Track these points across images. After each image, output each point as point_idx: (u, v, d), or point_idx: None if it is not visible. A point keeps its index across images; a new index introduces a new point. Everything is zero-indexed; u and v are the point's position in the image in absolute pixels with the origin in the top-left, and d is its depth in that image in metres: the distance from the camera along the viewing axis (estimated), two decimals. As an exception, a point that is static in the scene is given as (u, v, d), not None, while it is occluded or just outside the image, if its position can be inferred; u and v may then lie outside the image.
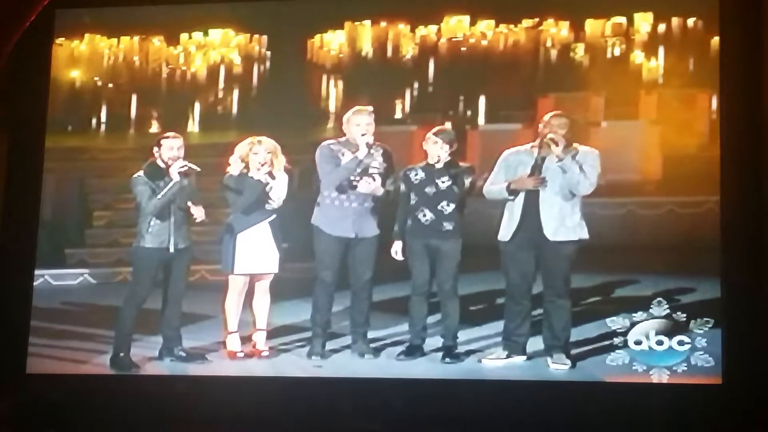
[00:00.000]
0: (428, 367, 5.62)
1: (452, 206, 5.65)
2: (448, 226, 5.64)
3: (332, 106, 6.20)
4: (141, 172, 5.76)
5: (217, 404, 5.44)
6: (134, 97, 6.31)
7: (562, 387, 5.43)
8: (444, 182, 5.65)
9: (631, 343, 5.46)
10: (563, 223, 5.52)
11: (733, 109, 5.54)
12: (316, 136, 5.96)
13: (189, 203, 5.71)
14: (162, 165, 5.76)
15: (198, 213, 5.71)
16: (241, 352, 5.78)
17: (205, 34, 6.34)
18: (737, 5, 5.63)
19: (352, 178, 5.68)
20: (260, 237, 5.77)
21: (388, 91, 6.16)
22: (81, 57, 6.36)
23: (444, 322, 5.69)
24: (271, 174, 5.75)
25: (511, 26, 6.09)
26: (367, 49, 6.22)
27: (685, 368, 5.40)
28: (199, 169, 5.75)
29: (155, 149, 5.78)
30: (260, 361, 5.75)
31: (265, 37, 6.28)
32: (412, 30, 6.18)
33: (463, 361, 5.63)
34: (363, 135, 5.66)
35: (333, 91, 6.21)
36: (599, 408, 5.22)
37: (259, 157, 5.74)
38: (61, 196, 6.24)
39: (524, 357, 5.59)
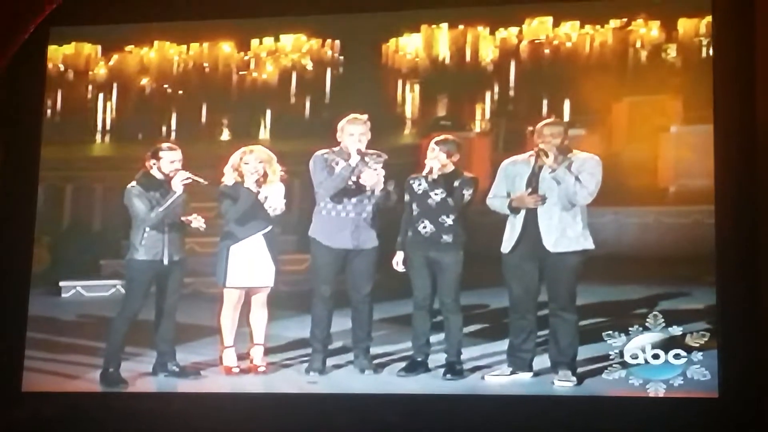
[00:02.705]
0: (428, 384, 5.50)
1: (452, 218, 5.48)
2: (447, 238, 5.49)
3: (408, 112, 6.03)
4: (134, 183, 5.65)
5: (212, 422, 5.38)
6: (204, 105, 6.19)
7: (559, 402, 5.33)
8: (437, 194, 5.49)
9: (627, 358, 5.37)
10: (564, 233, 5.37)
11: (727, 117, 5.40)
12: (391, 142, 5.81)
13: (191, 217, 5.61)
14: (158, 176, 5.65)
15: (196, 223, 5.61)
16: (237, 367, 5.67)
17: (277, 39, 6.21)
18: (732, 9, 5.46)
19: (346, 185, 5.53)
20: (255, 249, 5.64)
21: (466, 96, 5.99)
22: (151, 64, 6.27)
23: (446, 337, 5.55)
24: (258, 183, 5.61)
25: (598, 27, 5.84)
26: (444, 53, 6.04)
27: (682, 382, 5.32)
28: (206, 182, 5.65)
29: (152, 161, 5.66)
30: (255, 377, 5.63)
31: (338, 42, 6.14)
32: (492, 33, 6.00)
33: (466, 377, 5.49)
34: (360, 142, 5.54)
35: (409, 96, 6.05)
36: (595, 423, 5.16)
37: (250, 167, 5.62)
38: (106, 206, 6.15)
39: (530, 374, 5.45)
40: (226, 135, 6.11)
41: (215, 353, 5.72)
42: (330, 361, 5.64)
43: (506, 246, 5.45)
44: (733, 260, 5.28)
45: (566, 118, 5.81)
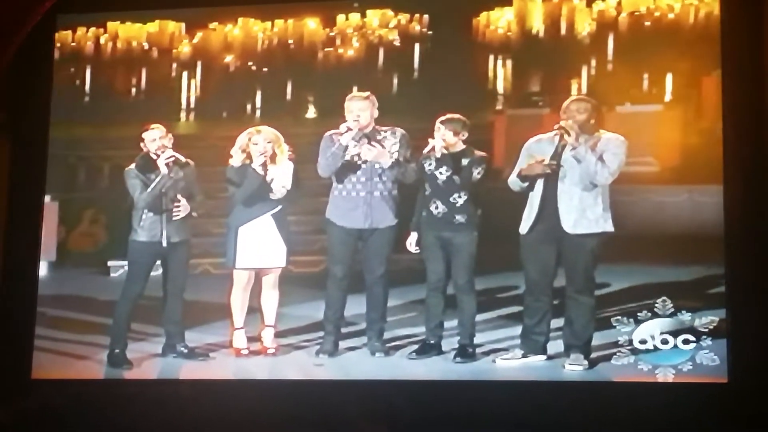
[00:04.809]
0: (437, 368, 5.40)
1: (463, 198, 5.36)
2: (460, 218, 5.40)
3: (500, 88, 5.81)
4: (133, 165, 5.67)
5: (221, 407, 5.31)
6: (289, 82, 6.06)
7: (568, 388, 5.28)
8: (442, 173, 5.38)
9: (636, 343, 5.31)
10: (584, 214, 5.27)
11: (737, 95, 5.30)
12: (482, 119, 5.61)
13: (178, 196, 5.61)
14: (153, 157, 5.65)
15: (182, 208, 5.60)
16: (246, 349, 5.61)
17: (363, 15, 6.04)
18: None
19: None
20: (264, 230, 5.59)
21: (561, 71, 5.73)
22: (235, 41, 6.15)
23: (459, 319, 5.44)
24: (265, 165, 5.54)
25: (703, -4, 5.59)
26: (538, 26, 5.81)
27: (691, 367, 5.26)
28: (185, 160, 5.63)
29: (141, 144, 5.67)
30: (264, 359, 5.57)
31: (426, 16, 5.94)
32: (589, 5, 5.75)
33: (476, 361, 5.40)
34: (355, 121, 5.46)
35: (501, 71, 5.83)
36: (603, 408, 5.10)
37: (258, 147, 5.58)
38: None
39: (544, 357, 5.37)
40: (311, 112, 5.98)
41: (228, 335, 5.66)
42: (345, 344, 5.55)
43: (524, 227, 5.33)
44: (743, 243, 5.18)
45: (667, 94, 5.54)
